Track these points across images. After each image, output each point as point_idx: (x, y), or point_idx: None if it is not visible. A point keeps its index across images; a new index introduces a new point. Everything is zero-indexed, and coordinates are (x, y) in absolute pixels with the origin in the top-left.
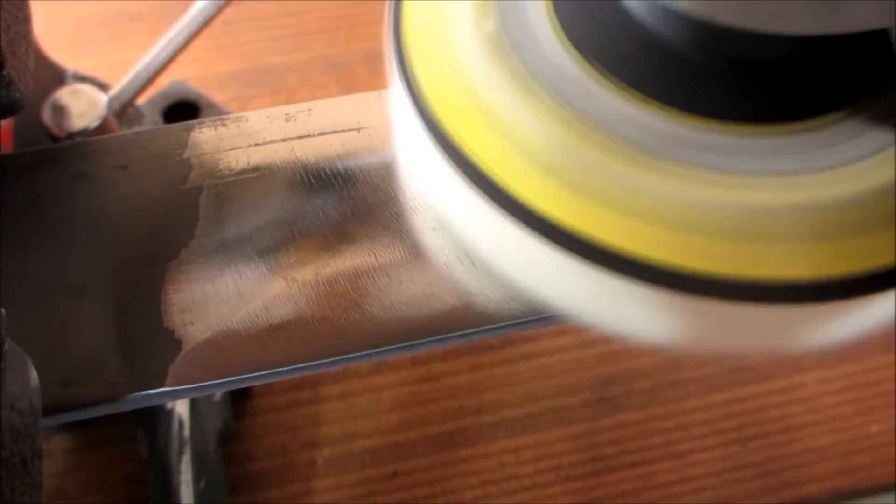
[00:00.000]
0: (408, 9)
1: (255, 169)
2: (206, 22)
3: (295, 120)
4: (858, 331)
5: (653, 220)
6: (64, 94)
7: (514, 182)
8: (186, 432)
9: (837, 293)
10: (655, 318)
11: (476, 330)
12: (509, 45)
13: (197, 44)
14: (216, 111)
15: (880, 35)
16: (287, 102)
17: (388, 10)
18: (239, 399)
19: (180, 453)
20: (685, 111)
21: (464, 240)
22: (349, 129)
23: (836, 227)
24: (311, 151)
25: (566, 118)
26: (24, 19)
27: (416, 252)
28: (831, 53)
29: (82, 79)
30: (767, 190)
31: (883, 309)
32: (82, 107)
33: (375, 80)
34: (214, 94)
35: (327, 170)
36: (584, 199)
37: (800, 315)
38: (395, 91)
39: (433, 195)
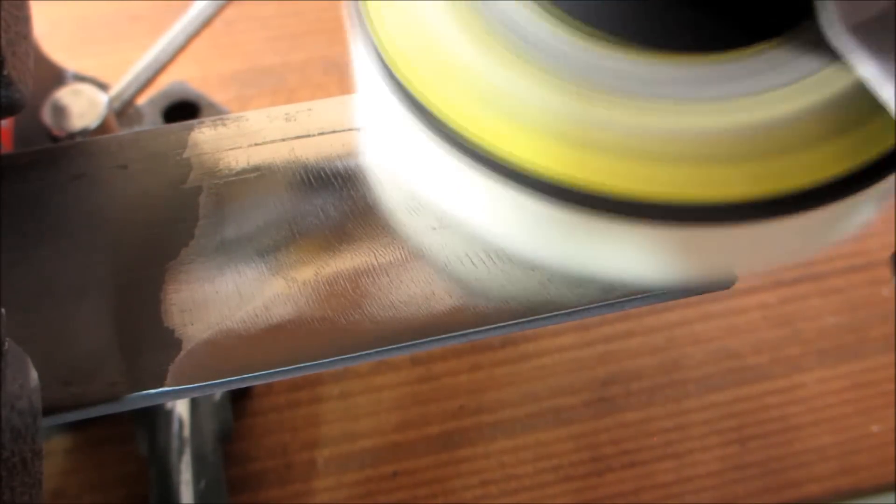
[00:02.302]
0: None
1: (255, 169)
2: (206, 22)
3: (295, 120)
4: (799, 249)
5: (596, 148)
6: (64, 94)
7: (462, 120)
8: (186, 432)
9: (769, 211)
10: (608, 248)
11: (476, 330)
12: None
13: (197, 44)
14: (216, 111)
15: None
16: (287, 102)
17: None
18: (239, 399)
19: (180, 453)
20: (622, 42)
21: (433, 199)
22: (349, 129)
23: (768, 146)
24: (311, 151)
25: (509, 54)
26: (24, 19)
27: (416, 252)
28: None
29: (82, 79)
30: (702, 115)
31: (816, 226)
32: (82, 107)
33: None
34: (214, 94)
35: (327, 170)
36: (528, 133)
37: (737, 235)
38: (357, 48)
39: (404, 162)
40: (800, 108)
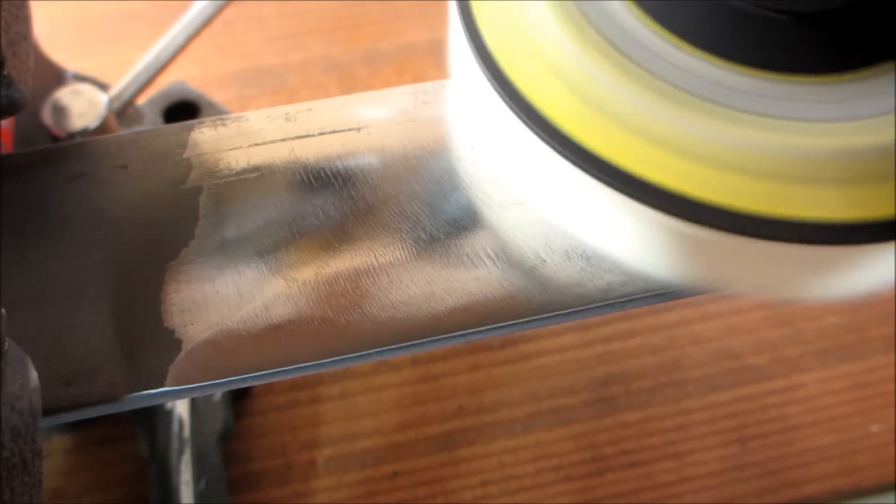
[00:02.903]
0: None
1: (255, 169)
2: (206, 22)
3: (295, 120)
4: (884, 279)
5: (702, 160)
6: (64, 94)
7: (577, 128)
8: (186, 432)
9: (868, 236)
10: (701, 257)
11: (476, 330)
12: (580, 13)
13: (197, 44)
14: (216, 111)
15: None
16: (287, 102)
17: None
18: (239, 399)
19: (180, 453)
20: (738, 62)
21: (533, 196)
22: (349, 129)
23: (871, 172)
24: (311, 151)
25: (629, 70)
26: (24, 19)
27: (416, 252)
28: (881, 5)
29: (82, 79)
30: (813, 135)
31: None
32: (82, 107)
33: (375, 80)
34: (214, 94)
35: (327, 170)
36: (639, 141)
37: (832, 256)
38: (461, 53)
39: (508, 171)
40: None
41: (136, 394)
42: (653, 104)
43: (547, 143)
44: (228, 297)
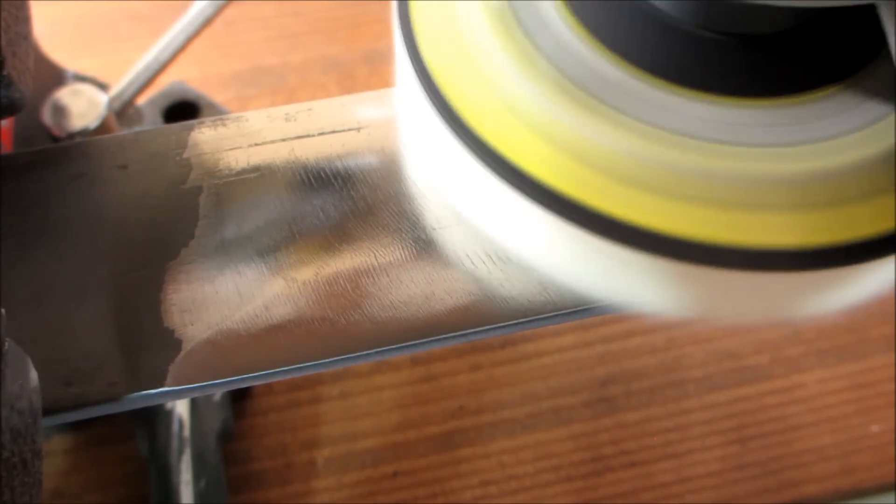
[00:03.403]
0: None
1: (255, 169)
2: (206, 22)
3: (295, 120)
4: (845, 302)
5: (650, 188)
6: (64, 94)
7: (521, 157)
8: (186, 432)
9: (821, 262)
10: (652, 285)
11: (476, 330)
12: (515, 20)
13: (197, 44)
14: (216, 111)
15: (872, 10)
16: (287, 102)
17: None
18: (239, 399)
19: (180, 453)
20: (684, 85)
21: (478, 224)
22: (349, 129)
23: (824, 196)
24: (311, 151)
25: (572, 93)
26: (24, 19)
27: (416, 252)
28: (826, 29)
29: (82, 79)
30: (760, 160)
31: (869, 279)
32: (82, 107)
33: (375, 80)
34: (214, 94)
35: (327, 170)
36: (585, 170)
37: (786, 282)
38: (404, 76)
39: (445, 183)
40: (868, 156)
41: (136, 394)
42: (592, 128)
43: (482, 161)
44: (228, 297)
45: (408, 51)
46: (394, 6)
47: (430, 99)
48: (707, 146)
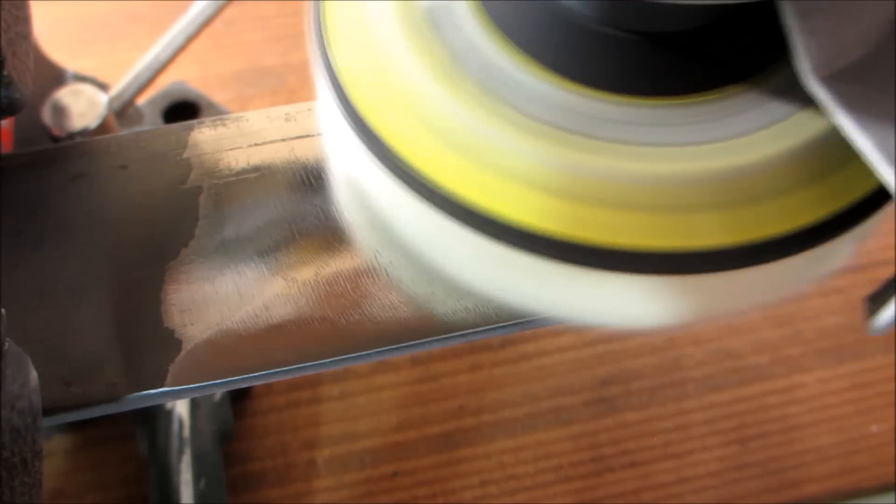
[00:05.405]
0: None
1: (255, 169)
2: (206, 22)
3: (295, 120)
4: (759, 300)
5: (554, 192)
6: (64, 94)
7: (423, 161)
8: (186, 432)
9: (733, 261)
10: (575, 295)
11: (476, 330)
12: (425, 20)
13: (197, 44)
14: (216, 111)
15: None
16: (287, 102)
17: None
18: (239, 399)
19: (180, 453)
20: (589, 85)
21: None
22: None
23: (732, 196)
24: (311, 151)
25: (479, 97)
26: (24, 19)
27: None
28: (735, 28)
29: (82, 79)
30: (665, 161)
31: (781, 276)
32: (82, 107)
33: None
34: (214, 94)
35: (327, 170)
36: (489, 175)
37: (702, 283)
38: (320, 84)
39: (362, 188)
40: (773, 154)
41: (136, 394)
42: (497, 133)
43: (386, 167)
44: (228, 297)
45: (320, 56)
46: (308, 7)
47: (342, 109)
48: (609, 146)
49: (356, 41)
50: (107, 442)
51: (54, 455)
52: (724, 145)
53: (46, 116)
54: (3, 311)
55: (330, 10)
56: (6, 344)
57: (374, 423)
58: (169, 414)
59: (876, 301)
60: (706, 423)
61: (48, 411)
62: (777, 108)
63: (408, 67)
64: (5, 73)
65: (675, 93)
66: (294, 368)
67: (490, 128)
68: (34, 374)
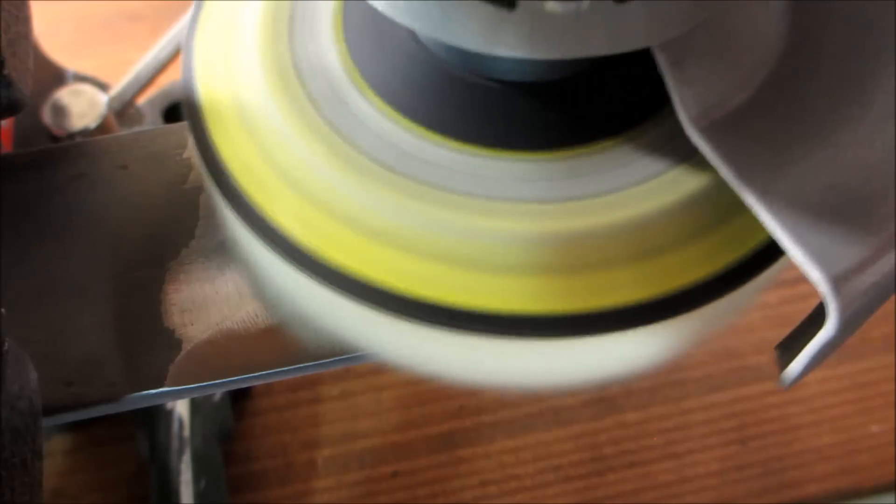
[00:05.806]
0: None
1: None
2: None
3: None
4: (603, 372)
5: (406, 248)
6: (64, 94)
7: (269, 203)
8: (186, 432)
9: (575, 329)
10: (409, 348)
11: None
12: (292, 66)
13: None
14: None
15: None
16: None
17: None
18: (239, 399)
19: (180, 453)
20: (451, 136)
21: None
22: None
23: (582, 259)
24: None
25: (333, 143)
26: (24, 19)
27: None
28: (606, 79)
29: (82, 79)
30: (519, 218)
31: (629, 349)
32: (82, 107)
33: None
34: None
35: None
36: (342, 227)
37: (537, 349)
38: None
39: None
40: (656, 208)
41: (136, 394)
42: (349, 181)
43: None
44: (228, 297)
45: (190, 80)
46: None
47: (196, 137)
48: (464, 201)
49: (221, 76)
50: (107, 442)
51: (54, 455)
52: (587, 203)
53: (46, 116)
54: (3, 310)
55: (202, 36)
56: (6, 344)
57: (374, 423)
58: (169, 414)
59: (785, 351)
60: (706, 422)
61: (48, 411)
62: (653, 162)
63: (266, 111)
64: (5, 73)
65: (535, 147)
66: (294, 368)
67: (337, 173)
68: (34, 374)
